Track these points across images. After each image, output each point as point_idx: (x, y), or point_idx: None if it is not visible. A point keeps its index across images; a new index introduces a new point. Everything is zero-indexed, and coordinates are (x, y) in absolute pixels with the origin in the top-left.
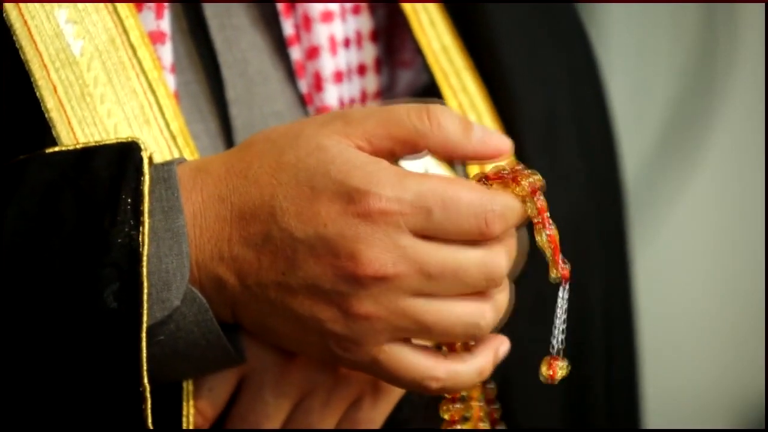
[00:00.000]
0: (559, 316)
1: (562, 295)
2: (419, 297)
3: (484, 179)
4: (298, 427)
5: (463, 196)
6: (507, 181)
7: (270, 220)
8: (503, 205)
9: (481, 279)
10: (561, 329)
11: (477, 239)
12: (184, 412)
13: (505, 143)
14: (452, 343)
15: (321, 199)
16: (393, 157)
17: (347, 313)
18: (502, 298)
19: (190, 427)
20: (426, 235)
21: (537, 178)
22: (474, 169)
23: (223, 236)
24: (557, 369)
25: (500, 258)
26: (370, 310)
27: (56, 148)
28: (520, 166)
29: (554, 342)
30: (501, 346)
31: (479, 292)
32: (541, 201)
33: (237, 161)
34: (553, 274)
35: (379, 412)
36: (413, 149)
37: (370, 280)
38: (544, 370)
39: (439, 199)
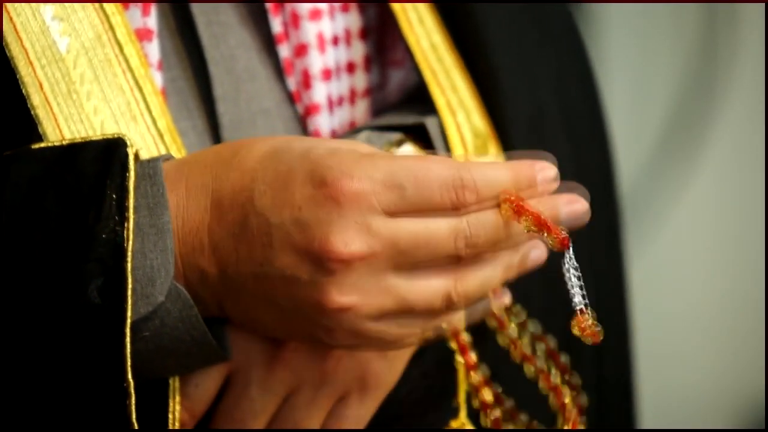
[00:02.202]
0: (571, 276)
1: (569, 258)
2: (397, 275)
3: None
4: (285, 424)
5: (433, 169)
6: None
7: (247, 205)
8: (475, 176)
9: (453, 246)
10: (578, 287)
11: (452, 210)
12: (171, 409)
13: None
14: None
15: (296, 180)
16: None
17: (328, 305)
18: (481, 272)
19: (177, 424)
20: (397, 213)
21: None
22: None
23: (204, 226)
24: (586, 325)
25: (474, 225)
26: (349, 298)
27: (42, 144)
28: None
29: (575, 300)
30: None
31: (458, 261)
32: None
33: (227, 149)
34: (553, 244)
35: (366, 408)
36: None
37: (344, 265)
38: (576, 332)
39: (410, 174)
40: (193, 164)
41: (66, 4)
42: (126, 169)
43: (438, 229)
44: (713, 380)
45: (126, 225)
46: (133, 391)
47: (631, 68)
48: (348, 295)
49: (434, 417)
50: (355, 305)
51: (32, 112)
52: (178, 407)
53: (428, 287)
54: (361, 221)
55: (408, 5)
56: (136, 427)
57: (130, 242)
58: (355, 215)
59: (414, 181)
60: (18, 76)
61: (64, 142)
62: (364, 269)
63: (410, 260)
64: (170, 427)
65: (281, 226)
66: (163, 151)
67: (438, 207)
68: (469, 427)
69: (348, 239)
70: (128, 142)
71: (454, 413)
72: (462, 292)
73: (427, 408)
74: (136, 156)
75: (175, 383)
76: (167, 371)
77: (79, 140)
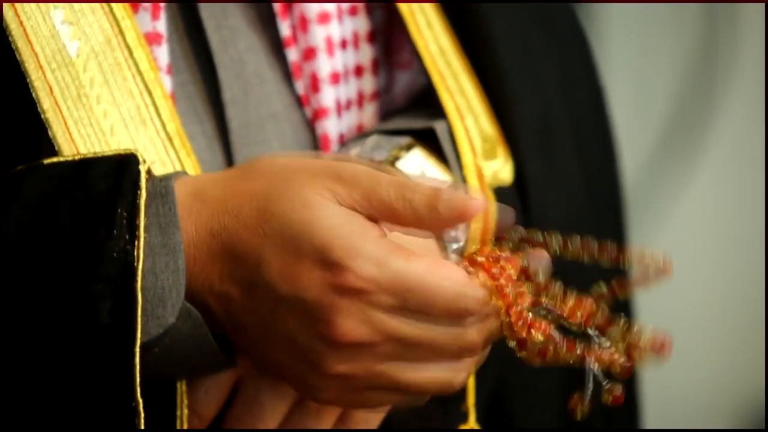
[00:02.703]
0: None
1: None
2: (394, 361)
3: (468, 261)
4: (295, 429)
5: (439, 293)
6: (490, 271)
7: (256, 269)
8: (479, 302)
9: (456, 351)
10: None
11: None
12: (178, 414)
13: (476, 203)
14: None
15: (304, 262)
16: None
17: (322, 370)
18: (478, 357)
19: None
20: (401, 311)
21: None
22: (470, 170)
23: (214, 271)
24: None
25: (477, 333)
26: (345, 370)
27: (54, 159)
28: (505, 254)
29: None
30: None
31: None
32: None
33: (231, 197)
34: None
35: (375, 415)
36: (393, 222)
37: (344, 346)
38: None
39: (417, 286)
40: (201, 204)
41: (76, 8)
42: (137, 186)
43: (441, 334)
44: (713, 380)
45: (137, 243)
46: (142, 410)
47: (632, 68)
48: (343, 367)
49: (442, 422)
50: (348, 376)
51: (42, 116)
52: (185, 412)
53: (425, 374)
54: (364, 315)
55: (416, 9)
56: None
57: (141, 261)
58: (357, 309)
59: (421, 292)
60: (28, 80)
61: (75, 157)
62: (362, 352)
63: (410, 353)
64: None
65: (287, 299)
66: (173, 156)
67: (438, 321)
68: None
69: (351, 327)
70: (140, 158)
71: (463, 418)
72: (459, 382)
73: (436, 412)
74: (149, 173)
75: (182, 388)
76: (175, 377)
77: (91, 155)
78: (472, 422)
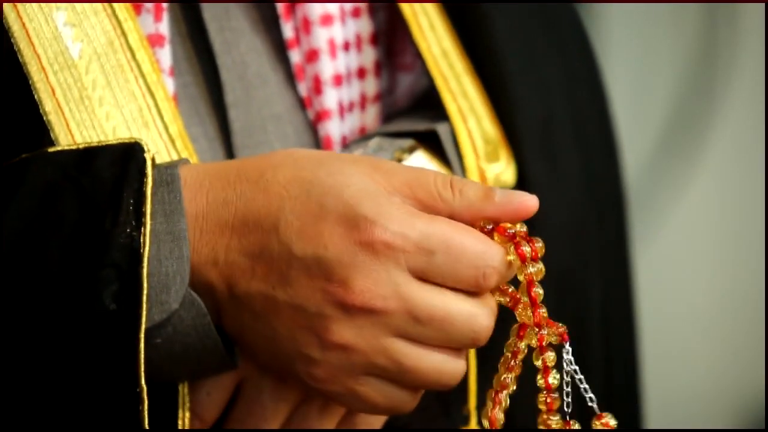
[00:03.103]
0: (571, 371)
1: (567, 353)
2: (401, 338)
3: (487, 227)
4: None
5: (468, 246)
6: (507, 240)
7: (272, 231)
8: (502, 262)
9: (466, 334)
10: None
11: (471, 290)
12: (180, 416)
13: (530, 201)
14: None
15: (327, 219)
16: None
17: (325, 339)
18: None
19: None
20: (421, 276)
21: (540, 246)
22: (473, 172)
23: (222, 241)
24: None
25: (487, 317)
26: (349, 339)
27: (58, 148)
28: (524, 230)
29: (588, 397)
30: None
31: (456, 348)
32: (533, 281)
33: (251, 168)
34: (553, 340)
35: (376, 417)
36: (434, 212)
37: (356, 310)
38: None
39: (444, 243)
40: (215, 177)
41: (78, 9)
42: (143, 174)
43: (457, 311)
44: (713, 380)
45: (143, 230)
46: (146, 396)
47: (632, 68)
48: (348, 335)
49: (444, 424)
50: (350, 348)
51: (44, 118)
52: (187, 414)
53: (427, 359)
54: (384, 274)
55: (419, 10)
56: None
57: (147, 248)
58: (380, 266)
59: (446, 250)
60: (30, 82)
61: (80, 146)
62: (372, 320)
63: (419, 331)
64: None
65: (303, 259)
66: (175, 157)
67: (461, 283)
68: None
69: (366, 288)
70: (145, 147)
71: (464, 421)
72: (456, 379)
73: (437, 415)
74: (153, 161)
75: (184, 390)
76: (176, 378)
77: (96, 144)
78: (473, 425)
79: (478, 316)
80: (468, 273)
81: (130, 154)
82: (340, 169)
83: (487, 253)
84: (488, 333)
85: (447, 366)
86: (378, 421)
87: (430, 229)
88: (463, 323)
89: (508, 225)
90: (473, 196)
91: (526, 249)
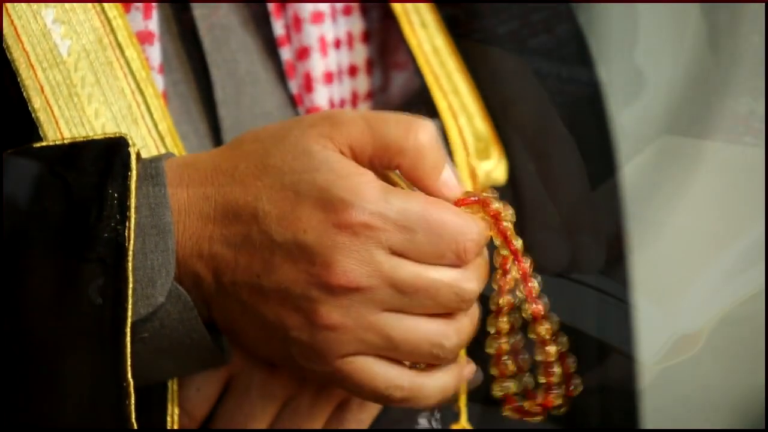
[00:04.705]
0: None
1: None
2: (389, 312)
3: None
4: (286, 428)
5: (448, 221)
6: (476, 208)
7: (251, 221)
8: (480, 234)
9: (452, 298)
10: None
11: (452, 264)
12: (169, 412)
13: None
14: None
15: (304, 205)
16: (372, 167)
17: (314, 321)
18: (467, 322)
19: (175, 427)
20: (402, 253)
21: (510, 213)
22: (463, 169)
23: (205, 234)
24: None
25: (472, 280)
26: (337, 320)
27: (44, 143)
28: (489, 193)
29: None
30: (467, 368)
31: (447, 313)
32: (514, 239)
33: (224, 160)
34: (529, 311)
35: (366, 413)
36: (389, 161)
37: (341, 290)
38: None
39: (423, 220)
40: (193, 171)
41: (67, 7)
42: (128, 168)
43: (440, 278)
44: (713, 380)
45: (127, 224)
46: (132, 391)
47: (631, 68)
48: (336, 315)
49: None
50: (340, 327)
51: (33, 116)
52: (176, 410)
53: (417, 329)
54: (365, 254)
55: (410, 8)
56: (135, 427)
57: (131, 242)
58: (360, 246)
59: (426, 227)
60: (19, 79)
61: (66, 141)
62: (358, 298)
63: (405, 302)
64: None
65: (284, 245)
66: None
67: (442, 258)
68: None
69: (348, 268)
70: (130, 142)
71: (455, 417)
72: (450, 345)
73: (428, 412)
74: (138, 156)
75: (174, 386)
76: (166, 374)
77: (81, 139)
78: (463, 422)
79: (461, 280)
80: (449, 248)
81: (114, 148)
82: (303, 149)
83: (465, 227)
84: (474, 295)
85: (438, 335)
86: (368, 418)
87: (407, 205)
88: (447, 289)
89: (471, 192)
90: (427, 149)
91: (496, 205)
